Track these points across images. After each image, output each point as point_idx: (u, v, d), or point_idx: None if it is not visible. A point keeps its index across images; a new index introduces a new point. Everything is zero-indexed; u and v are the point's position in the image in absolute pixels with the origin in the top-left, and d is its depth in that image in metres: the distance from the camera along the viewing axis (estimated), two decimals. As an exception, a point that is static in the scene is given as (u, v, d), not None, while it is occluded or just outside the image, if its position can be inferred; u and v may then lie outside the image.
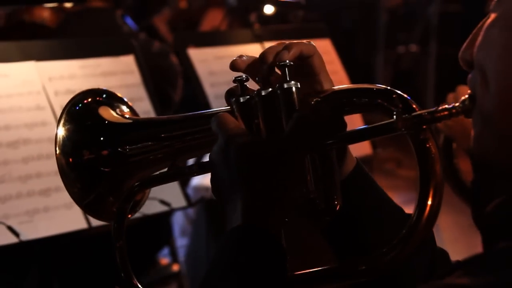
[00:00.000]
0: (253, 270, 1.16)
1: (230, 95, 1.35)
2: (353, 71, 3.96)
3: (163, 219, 4.01)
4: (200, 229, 4.56)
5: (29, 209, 2.52)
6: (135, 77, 3.06)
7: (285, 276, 1.21)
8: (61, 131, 1.42)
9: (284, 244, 1.22)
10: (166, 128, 1.43)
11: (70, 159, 1.41)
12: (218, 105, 3.28)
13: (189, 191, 4.16)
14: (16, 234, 2.43)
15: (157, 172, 1.45)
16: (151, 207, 2.77)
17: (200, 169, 1.40)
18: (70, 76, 2.84)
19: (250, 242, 1.19)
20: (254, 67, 1.33)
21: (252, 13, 3.93)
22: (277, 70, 1.32)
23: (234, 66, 1.34)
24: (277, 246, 1.20)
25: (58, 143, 1.42)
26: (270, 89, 1.29)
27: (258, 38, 3.58)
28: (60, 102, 2.73)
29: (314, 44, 1.33)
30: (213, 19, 6.99)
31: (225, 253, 1.20)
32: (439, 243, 1.45)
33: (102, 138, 1.43)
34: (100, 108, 1.46)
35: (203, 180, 4.53)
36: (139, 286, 1.43)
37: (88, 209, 1.46)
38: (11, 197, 2.50)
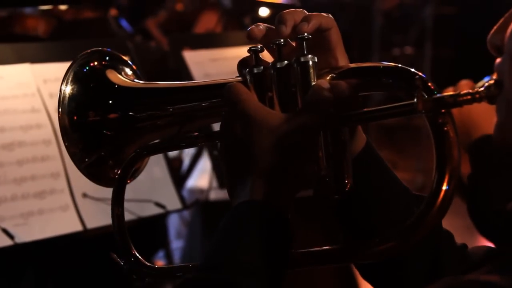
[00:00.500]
0: (258, 244, 1.14)
1: (243, 65, 1.32)
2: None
3: (158, 222, 4.01)
4: (195, 231, 4.56)
5: (23, 211, 2.52)
6: (130, 79, 3.05)
7: (288, 252, 1.20)
8: (67, 90, 1.40)
9: (291, 221, 1.20)
10: (176, 95, 1.40)
11: (75, 118, 1.39)
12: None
13: (184, 193, 4.15)
14: (11, 236, 2.42)
15: (164, 139, 1.43)
16: (146, 209, 2.76)
17: (207, 138, 1.39)
18: (65, 78, 2.83)
19: (256, 218, 1.17)
20: (271, 37, 1.30)
21: (247, 15, 3.92)
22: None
23: (250, 36, 1.31)
24: (284, 223, 1.18)
25: (61, 101, 1.40)
26: (286, 61, 1.26)
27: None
28: (55, 104, 2.69)
29: (332, 18, 1.31)
30: (207, 21, 6.98)
31: (232, 228, 1.18)
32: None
33: (110, 102, 1.40)
34: (107, 71, 1.43)
35: (198, 182, 4.53)
36: (138, 255, 1.40)
37: (86, 172, 1.42)
38: (6, 200, 2.50)
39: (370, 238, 1.23)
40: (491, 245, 2.24)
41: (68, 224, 2.60)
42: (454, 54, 9.52)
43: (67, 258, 3.21)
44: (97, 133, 1.40)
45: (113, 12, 3.90)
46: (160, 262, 4.77)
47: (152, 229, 3.88)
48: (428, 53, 8.94)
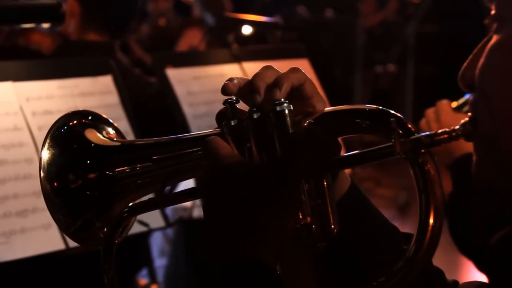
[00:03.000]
0: None
1: (220, 117, 1.30)
2: (332, 91, 3.96)
3: (142, 240, 3.99)
4: (178, 249, 4.55)
5: (5, 230, 2.50)
6: (113, 97, 3.05)
7: None
8: (46, 155, 1.37)
9: (280, 276, 1.16)
10: (155, 151, 1.38)
11: (55, 184, 1.36)
12: (197, 124, 3.28)
13: (168, 211, 4.14)
14: (-8, 255, 2.41)
15: (147, 198, 1.41)
16: (129, 227, 2.75)
17: (190, 195, 1.37)
18: (48, 96, 2.82)
19: (243, 279, 1.15)
20: (245, 91, 1.29)
21: (230, 33, 3.93)
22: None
23: (225, 90, 1.28)
24: (273, 280, 1.15)
25: (42, 167, 1.36)
26: (261, 112, 1.24)
27: (236, 58, 3.58)
28: (38, 123, 2.71)
29: (303, 71, 1.29)
30: (191, 38, 7.00)
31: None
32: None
33: (88, 162, 1.37)
34: (86, 130, 1.40)
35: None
36: None
37: (74, 236, 1.41)
38: (-12, 218, 2.48)
39: (361, 281, 1.21)
40: (473, 264, 2.25)
41: (50, 243, 2.59)
42: (436, 71, 9.59)
43: (50, 277, 3.19)
44: (79, 195, 1.37)
45: (117, 45, 3.83)
46: (143, 280, 4.75)
47: (135, 247, 3.86)
48: (410, 70, 9.01)
